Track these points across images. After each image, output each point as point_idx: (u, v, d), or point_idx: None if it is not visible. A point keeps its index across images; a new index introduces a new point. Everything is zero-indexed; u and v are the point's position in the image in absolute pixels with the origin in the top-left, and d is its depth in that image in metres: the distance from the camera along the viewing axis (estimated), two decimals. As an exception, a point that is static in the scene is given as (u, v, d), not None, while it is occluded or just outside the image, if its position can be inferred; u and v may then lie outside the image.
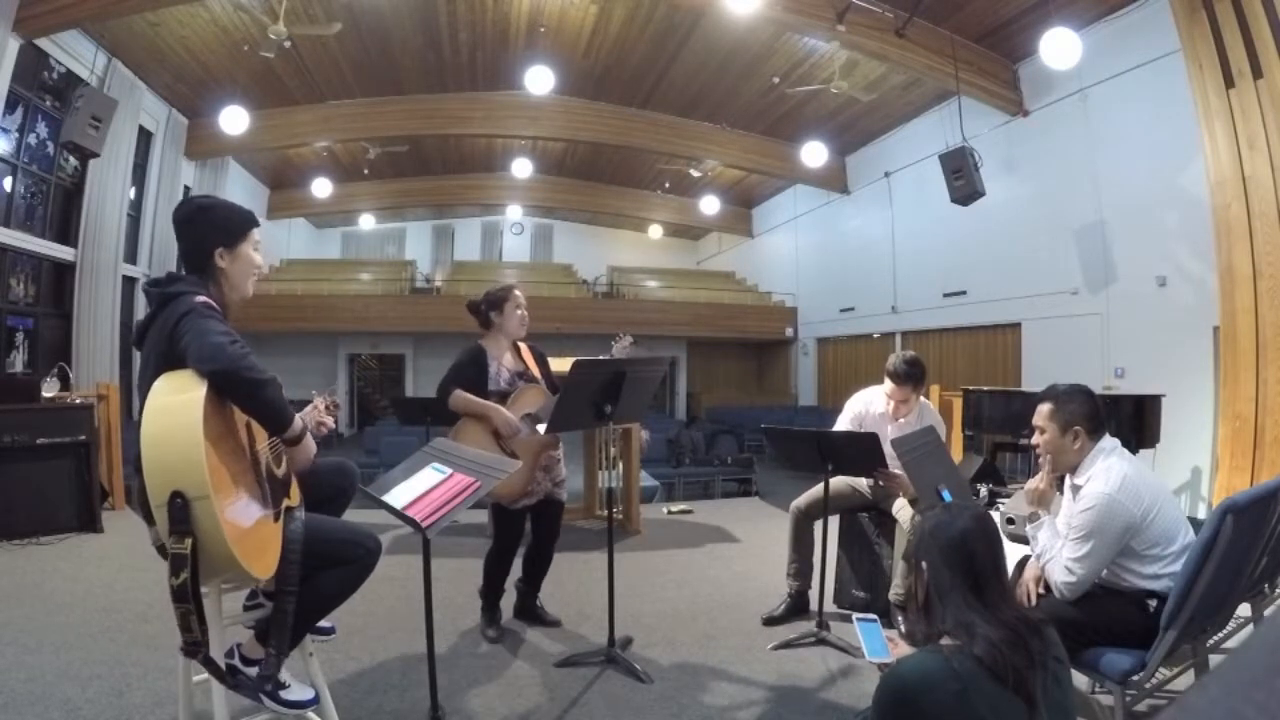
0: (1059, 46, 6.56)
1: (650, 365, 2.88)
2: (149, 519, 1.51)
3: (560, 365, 3.19)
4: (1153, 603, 1.97)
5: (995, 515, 1.67)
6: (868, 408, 3.41)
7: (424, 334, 14.32)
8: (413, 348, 15.42)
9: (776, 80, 9.82)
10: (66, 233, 8.30)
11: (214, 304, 1.72)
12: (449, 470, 2.08)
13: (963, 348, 10.15)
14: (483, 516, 4.28)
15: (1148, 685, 1.99)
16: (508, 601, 3.27)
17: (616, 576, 2.90)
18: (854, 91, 9.08)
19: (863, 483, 3.39)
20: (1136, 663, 1.90)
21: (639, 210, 16.42)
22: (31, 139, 7.73)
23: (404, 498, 2.02)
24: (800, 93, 9.62)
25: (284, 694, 1.84)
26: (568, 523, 4.00)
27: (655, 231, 17.80)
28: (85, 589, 3.55)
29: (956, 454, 5.32)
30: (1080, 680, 2.01)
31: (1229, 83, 4.94)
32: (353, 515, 2.27)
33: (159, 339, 1.68)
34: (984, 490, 3.93)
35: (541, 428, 2.92)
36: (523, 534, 3.15)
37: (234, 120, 8.83)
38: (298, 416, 1.80)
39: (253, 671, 1.80)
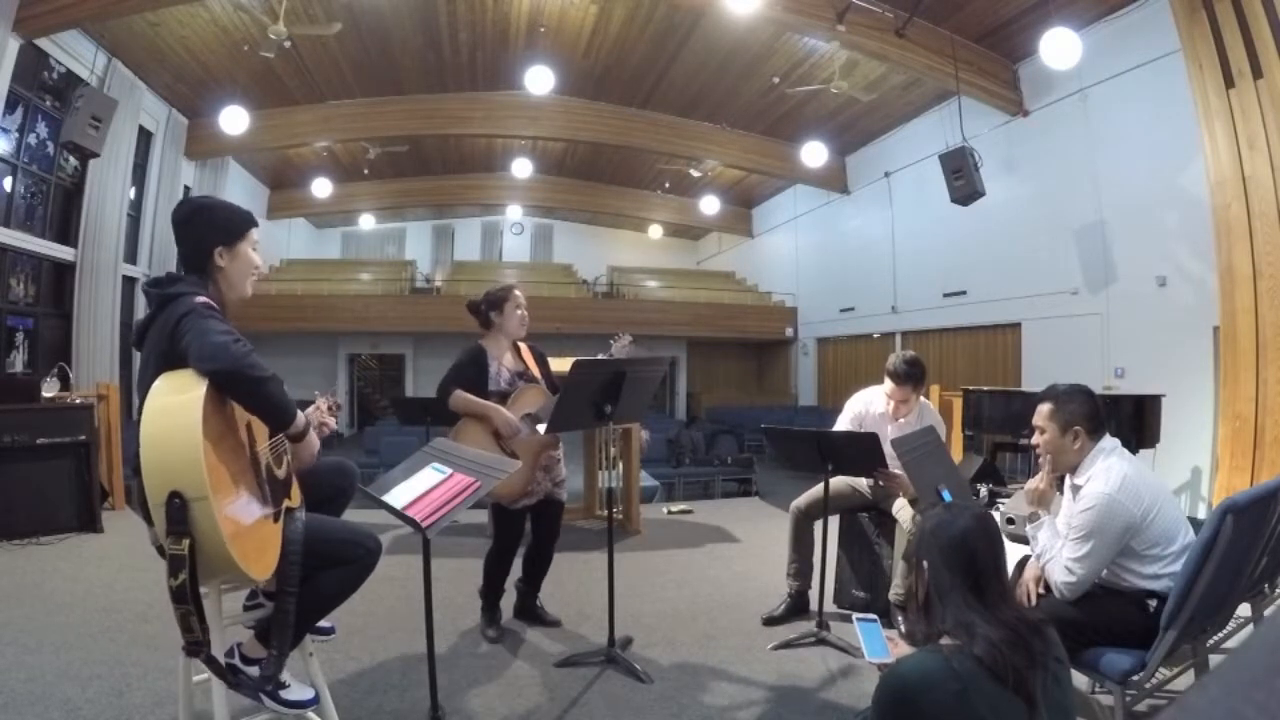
0: (1059, 46, 6.56)
1: (650, 365, 2.88)
2: (149, 519, 1.51)
3: (560, 365, 3.19)
4: (1153, 603, 1.97)
5: (995, 515, 1.67)
6: (868, 408, 3.40)
7: (424, 334, 14.31)
8: (413, 348, 15.42)
9: (776, 80, 9.82)
10: (66, 233, 8.30)
11: (214, 304, 1.72)
12: (449, 470, 2.08)
13: (963, 348, 10.15)
14: (483, 516, 4.28)
15: (1148, 685, 1.99)
16: (508, 601, 3.27)
17: (616, 576, 2.90)
18: (854, 91, 9.08)
19: (863, 483, 3.39)
20: (1136, 663, 1.90)
21: (639, 210, 16.42)
22: (31, 139, 7.72)
23: (404, 498, 2.02)
24: (800, 93, 9.62)
25: (284, 694, 1.84)
26: (568, 523, 4.00)
27: (655, 231, 17.80)
28: (85, 589, 3.55)
29: (956, 454, 5.32)
30: (1080, 680, 2.01)
31: (1229, 83, 4.94)
32: (353, 515, 2.27)
33: (159, 339, 1.68)
34: (984, 490, 3.94)
35: (541, 428, 2.91)
36: (523, 534, 3.15)
37: (234, 120, 8.83)
38: (301, 413, 1.80)
39: (253, 671, 1.80)
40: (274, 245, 14.89)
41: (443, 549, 4.26)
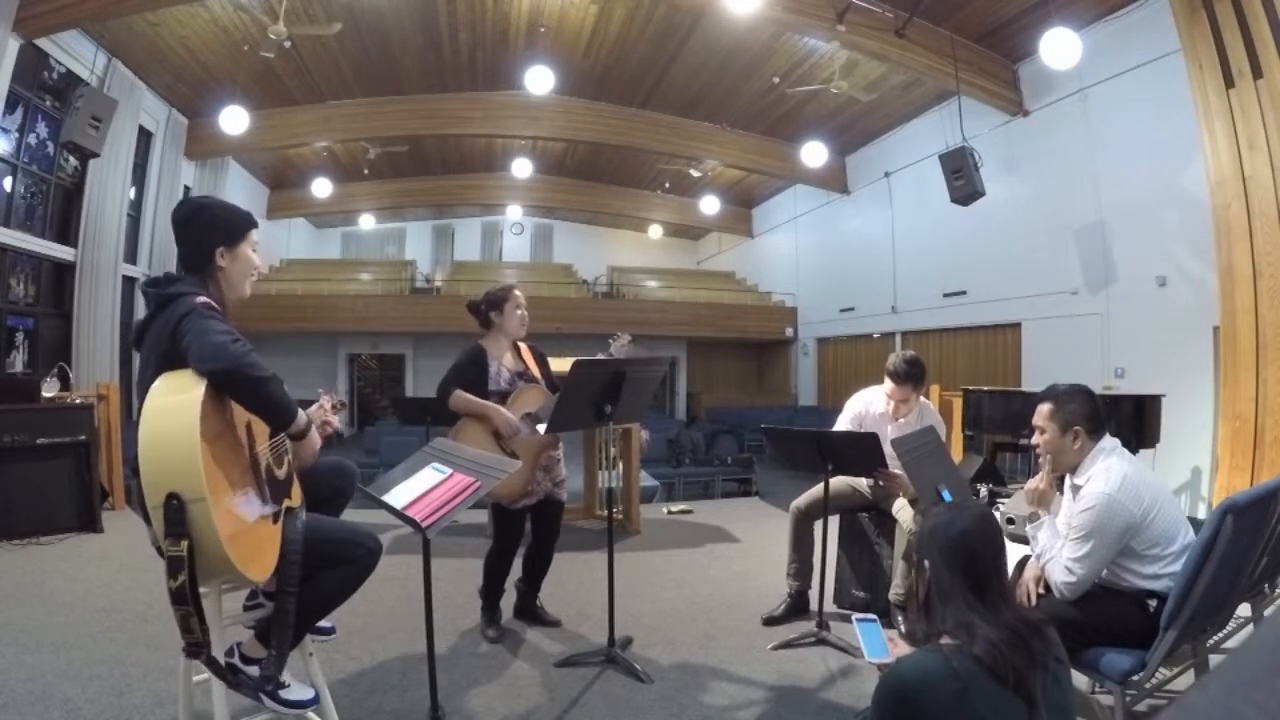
0: (1059, 46, 6.56)
1: (650, 365, 2.87)
2: (149, 519, 1.51)
3: (560, 365, 3.18)
4: (1153, 603, 1.97)
5: (995, 515, 1.67)
6: (868, 408, 3.40)
7: (424, 334, 14.32)
8: (413, 348, 15.42)
9: (776, 80, 9.82)
10: (66, 233, 8.30)
11: (214, 304, 1.72)
12: (449, 470, 2.08)
13: (963, 348, 10.15)
14: (483, 516, 4.28)
15: (1148, 685, 1.99)
16: (508, 601, 3.27)
17: (616, 576, 2.89)
18: (854, 91, 9.08)
19: (863, 483, 3.39)
20: (1136, 663, 1.90)
21: (639, 210, 16.42)
22: (31, 139, 7.72)
23: (404, 498, 2.02)
24: (800, 93, 9.62)
25: (284, 694, 1.84)
26: (568, 523, 3.99)
27: (655, 231, 17.80)
28: (85, 589, 3.55)
29: (956, 454, 5.32)
30: (1080, 680, 2.01)
31: (1229, 83, 4.94)
32: (353, 515, 2.27)
33: (159, 339, 1.68)
34: (984, 490, 3.94)
35: (541, 428, 2.91)
36: (523, 534, 3.15)
37: (234, 120, 8.83)
38: (301, 412, 1.80)
39: (253, 671, 1.80)
40: (274, 245, 14.89)
41: (443, 549, 4.26)
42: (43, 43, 7.32)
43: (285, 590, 1.74)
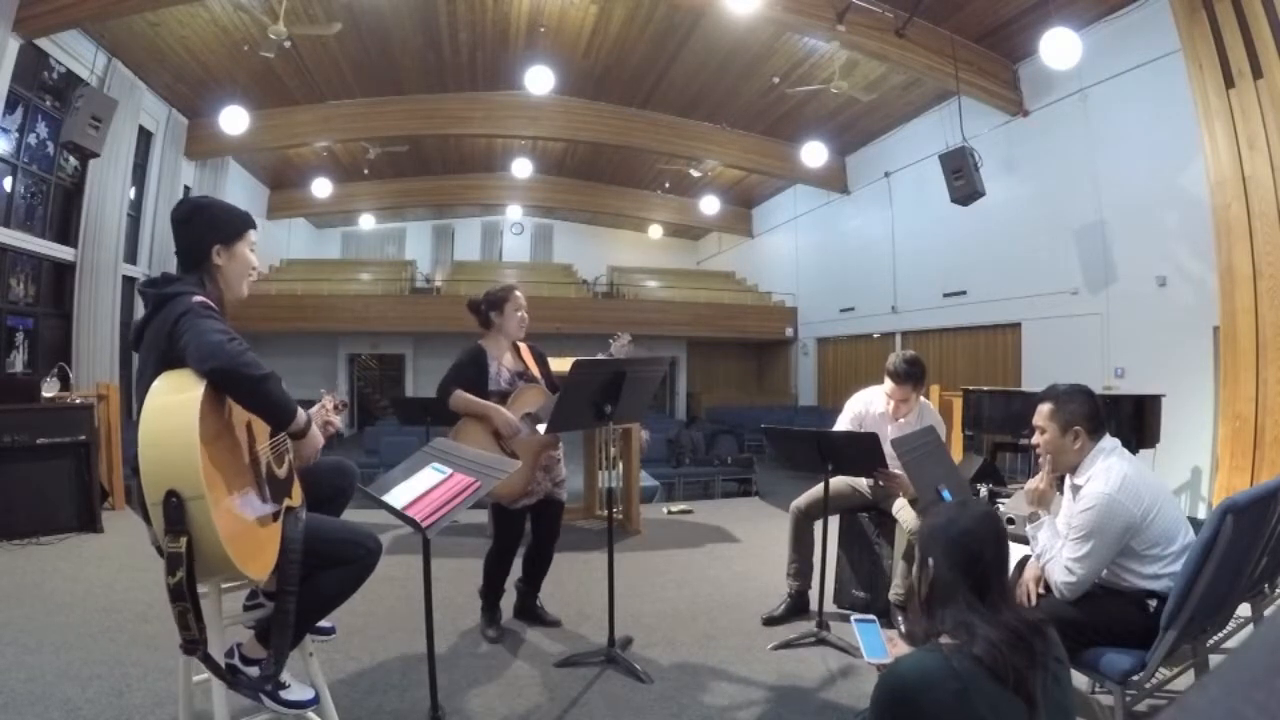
0: (1059, 46, 6.56)
1: (650, 365, 2.87)
2: (149, 519, 1.51)
3: (560, 365, 3.18)
4: (1153, 603, 1.97)
5: (999, 514, 1.66)
6: (868, 407, 3.40)
7: (424, 334, 14.32)
8: (413, 348, 15.43)
9: (776, 80, 9.82)
10: (66, 233, 8.30)
11: (211, 303, 1.72)
12: (449, 470, 2.08)
13: (963, 348, 10.15)
14: (483, 516, 4.28)
15: (1148, 685, 1.99)
16: (508, 601, 3.27)
17: (616, 576, 2.89)
18: (854, 91, 9.08)
19: (863, 483, 3.39)
20: (1136, 663, 1.90)
21: (639, 210, 16.42)
22: (31, 139, 7.73)
23: (404, 498, 2.02)
24: (800, 93, 9.62)
25: (284, 694, 1.84)
26: (568, 523, 3.99)
27: (655, 231, 17.80)
28: (85, 589, 3.55)
29: (956, 454, 5.32)
30: (1080, 680, 2.01)
31: (1229, 83, 4.94)
32: (353, 515, 2.27)
33: (157, 339, 1.68)
34: (984, 490, 3.94)
35: (541, 428, 2.91)
36: (523, 534, 3.15)
37: (234, 120, 8.83)
38: (301, 410, 1.80)
39: (253, 671, 1.80)
40: (274, 245, 14.89)
41: (443, 549, 4.26)
42: (43, 43, 7.32)
43: (285, 590, 1.74)
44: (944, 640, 1.35)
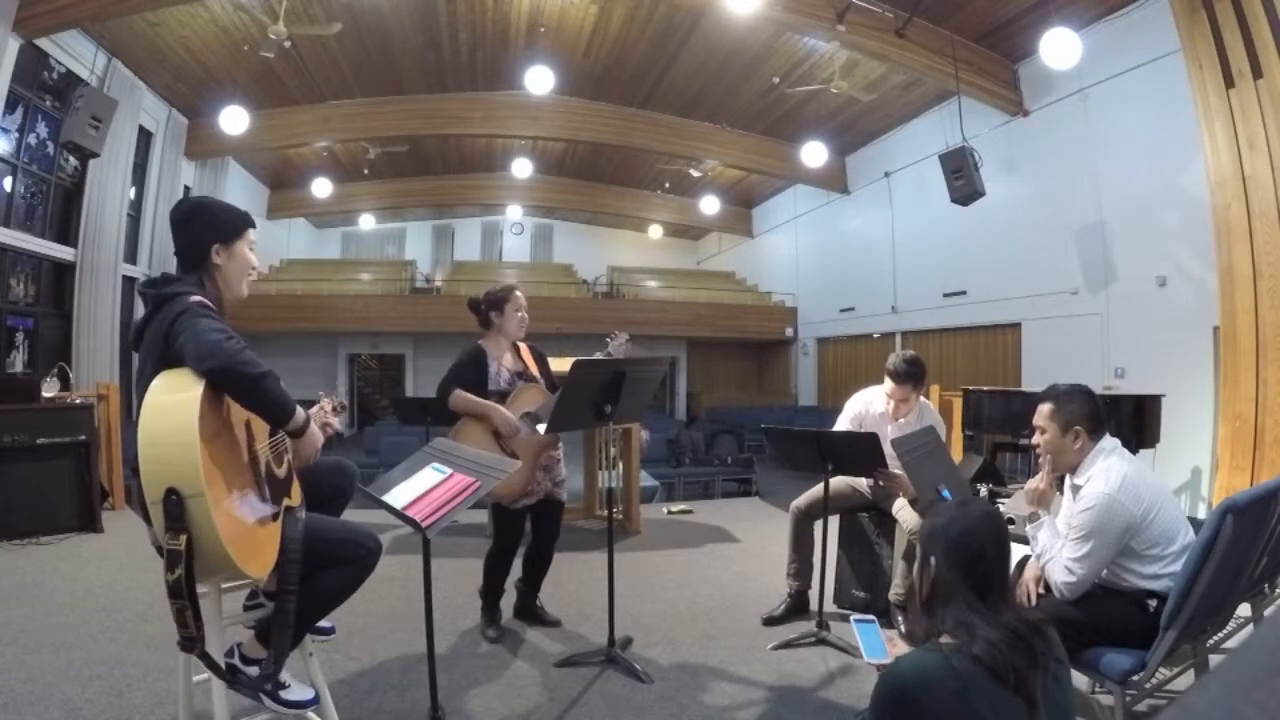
0: (1059, 46, 6.56)
1: (650, 365, 2.88)
2: (149, 519, 1.51)
3: (560, 365, 3.19)
4: (1153, 603, 1.97)
5: (1001, 514, 1.66)
6: (868, 407, 3.40)
7: (424, 334, 14.32)
8: (413, 348, 15.42)
9: (776, 80, 9.82)
10: (66, 233, 8.30)
11: (209, 303, 1.72)
12: (449, 470, 2.08)
13: (963, 348, 10.15)
14: (483, 516, 4.28)
15: (1148, 685, 1.99)
16: (508, 601, 3.27)
17: (616, 576, 2.89)
18: (854, 91, 9.08)
19: (863, 483, 3.39)
20: (1136, 663, 1.90)
21: (639, 210, 16.42)
22: (31, 139, 7.72)
23: (404, 498, 2.02)
24: (800, 93, 9.62)
25: (284, 694, 1.84)
26: (568, 523, 4.00)
27: (655, 231, 17.80)
28: (85, 589, 3.55)
29: (956, 454, 5.32)
30: (1080, 680, 2.01)
31: (1229, 83, 4.94)
32: (353, 515, 2.27)
33: (156, 340, 1.68)
34: (984, 490, 3.93)
35: (541, 427, 2.91)
36: (523, 534, 3.15)
37: (234, 120, 8.83)
38: (300, 408, 1.80)
39: (253, 671, 1.80)
40: (274, 245, 14.89)
41: (443, 549, 4.26)
42: (43, 43, 7.32)
43: (285, 589, 1.74)
44: (944, 640, 1.35)
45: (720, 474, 8.45)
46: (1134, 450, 3.15)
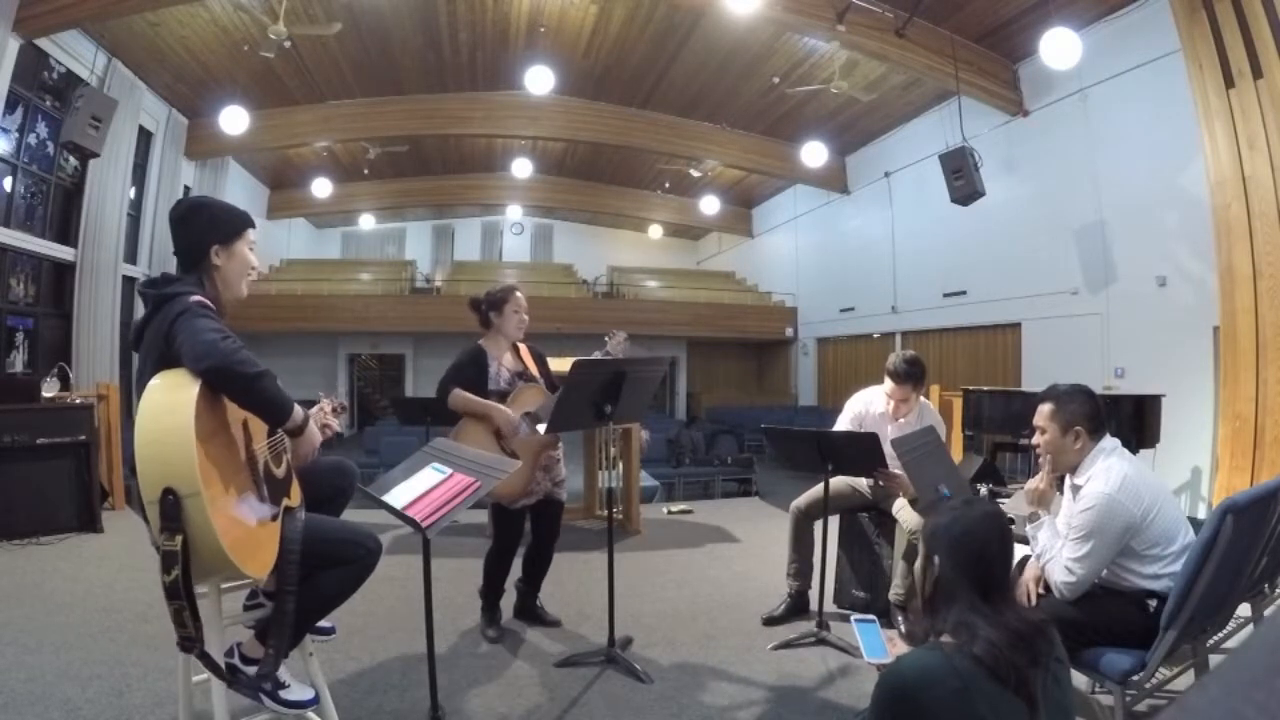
0: (1059, 46, 6.56)
1: (650, 365, 2.87)
2: (148, 518, 1.51)
3: (560, 365, 3.18)
4: (1153, 603, 1.97)
5: (1003, 513, 1.66)
6: (868, 408, 3.40)
7: (424, 334, 14.32)
8: (413, 348, 15.42)
9: (776, 80, 9.82)
10: (66, 233, 8.30)
11: (208, 303, 1.72)
12: (449, 470, 2.08)
13: (963, 348, 10.15)
14: (483, 516, 4.27)
15: (1148, 685, 1.99)
16: (508, 601, 3.27)
17: (616, 576, 2.89)
18: (854, 91, 9.08)
19: (863, 483, 3.39)
20: (1136, 663, 1.90)
21: (639, 210, 16.42)
22: (31, 139, 7.72)
23: (404, 498, 2.02)
24: (800, 93, 9.62)
25: (284, 694, 1.84)
26: (568, 523, 4.00)
27: (655, 231, 17.80)
28: (85, 589, 3.55)
29: (956, 454, 5.32)
30: (1080, 680, 2.00)
31: (1229, 83, 4.94)
32: (353, 515, 2.27)
33: (156, 340, 1.68)
34: (984, 490, 3.94)
35: (541, 427, 2.91)
36: (523, 534, 3.15)
37: (234, 120, 8.83)
38: (298, 407, 1.79)
39: (252, 671, 1.80)
40: (274, 245, 14.89)
41: (443, 549, 4.26)
42: (43, 43, 7.32)
43: (284, 589, 1.74)
44: (944, 640, 1.35)
45: (720, 474, 8.45)
46: (1134, 450, 3.15)
